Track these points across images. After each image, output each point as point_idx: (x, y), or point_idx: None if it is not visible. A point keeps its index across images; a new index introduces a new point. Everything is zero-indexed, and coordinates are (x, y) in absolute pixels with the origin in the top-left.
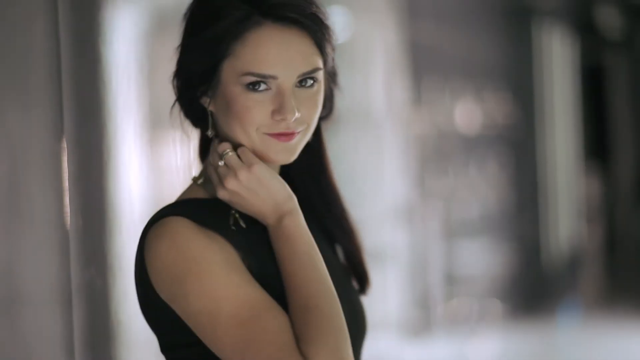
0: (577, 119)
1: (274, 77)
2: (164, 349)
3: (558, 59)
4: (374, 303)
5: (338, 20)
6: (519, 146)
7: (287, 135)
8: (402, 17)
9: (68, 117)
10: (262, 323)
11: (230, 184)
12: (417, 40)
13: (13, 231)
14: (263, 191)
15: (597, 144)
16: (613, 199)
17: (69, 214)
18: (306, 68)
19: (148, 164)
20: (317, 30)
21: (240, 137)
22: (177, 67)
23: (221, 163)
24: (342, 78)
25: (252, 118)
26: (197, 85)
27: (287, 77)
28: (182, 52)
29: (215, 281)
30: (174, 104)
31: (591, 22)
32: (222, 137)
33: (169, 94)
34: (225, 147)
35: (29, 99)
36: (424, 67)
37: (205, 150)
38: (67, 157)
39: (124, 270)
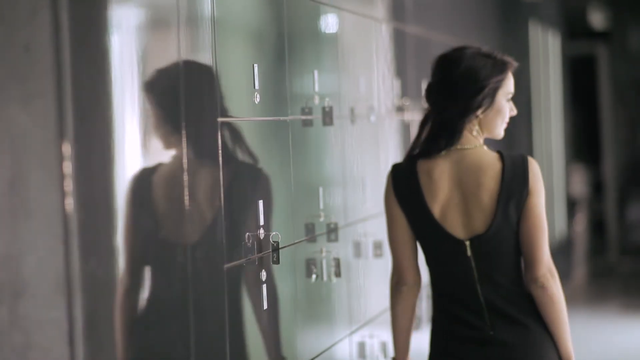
0: (566, 113)
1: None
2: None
3: (549, 52)
4: (374, 288)
5: (331, 12)
6: (511, 138)
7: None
8: (395, 9)
9: (69, 109)
10: None
11: None
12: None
13: (16, 222)
14: None
15: (584, 138)
16: (599, 193)
17: (71, 206)
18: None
19: (149, 156)
20: None
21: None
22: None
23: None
24: (336, 71)
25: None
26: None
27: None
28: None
29: None
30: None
31: (579, 15)
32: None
33: None
34: None
35: (30, 92)
36: (417, 59)
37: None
38: (69, 149)
39: (124, 261)
